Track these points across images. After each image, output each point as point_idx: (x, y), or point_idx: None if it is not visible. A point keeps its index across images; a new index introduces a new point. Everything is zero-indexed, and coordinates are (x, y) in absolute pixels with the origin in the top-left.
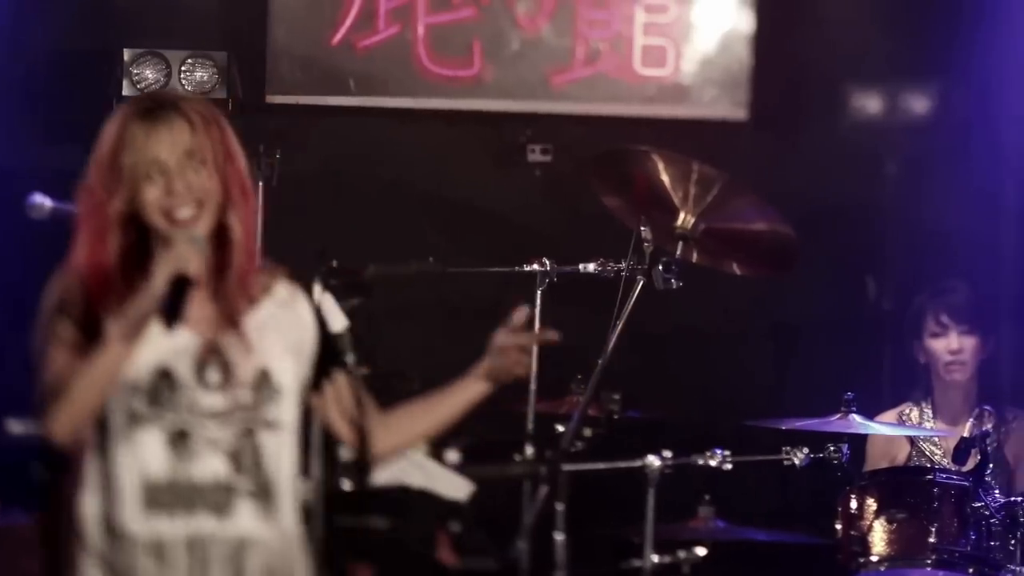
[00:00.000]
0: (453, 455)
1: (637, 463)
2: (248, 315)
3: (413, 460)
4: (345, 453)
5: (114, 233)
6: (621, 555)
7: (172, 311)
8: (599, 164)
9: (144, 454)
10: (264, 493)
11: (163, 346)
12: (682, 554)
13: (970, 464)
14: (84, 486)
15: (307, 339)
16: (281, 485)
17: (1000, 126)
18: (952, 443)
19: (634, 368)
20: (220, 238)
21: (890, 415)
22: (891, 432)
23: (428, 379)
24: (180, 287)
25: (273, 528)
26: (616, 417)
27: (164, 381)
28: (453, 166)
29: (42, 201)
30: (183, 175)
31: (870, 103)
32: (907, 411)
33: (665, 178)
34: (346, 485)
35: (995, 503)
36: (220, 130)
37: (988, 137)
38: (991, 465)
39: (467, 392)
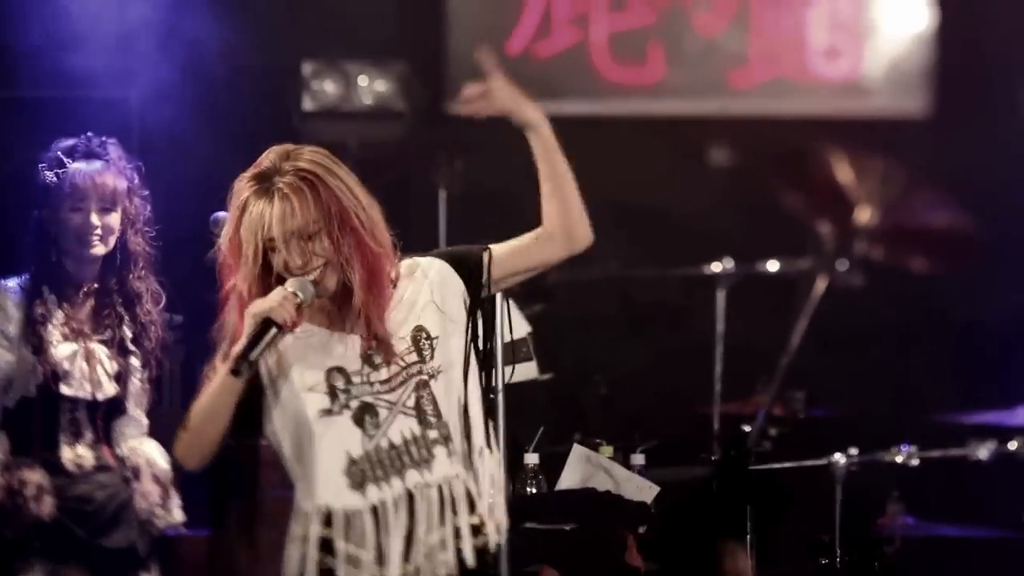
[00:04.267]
0: (639, 458)
1: (823, 461)
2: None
3: (599, 464)
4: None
5: (253, 292)
6: (812, 553)
7: (245, 356)
8: (780, 164)
9: (339, 439)
10: (448, 437)
11: (332, 353)
12: (873, 551)
13: None
14: (297, 488)
15: (447, 279)
16: (455, 424)
17: None
18: None
19: (818, 366)
20: (347, 287)
21: None
22: None
23: (614, 383)
24: (262, 333)
25: (460, 461)
26: (801, 416)
27: (337, 375)
28: (634, 169)
29: (226, 217)
30: (298, 249)
31: None
32: None
33: (846, 175)
34: (531, 489)
35: None
36: (325, 194)
37: None
38: None
39: (536, 148)
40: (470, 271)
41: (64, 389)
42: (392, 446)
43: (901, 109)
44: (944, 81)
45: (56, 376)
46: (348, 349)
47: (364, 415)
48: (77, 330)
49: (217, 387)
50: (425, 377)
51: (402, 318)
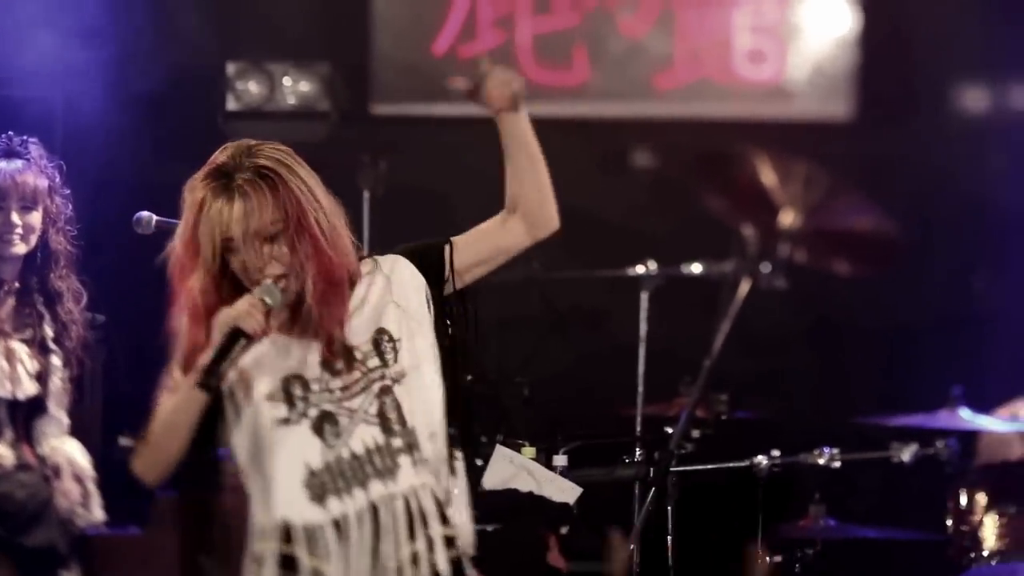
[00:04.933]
0: (561, 459)
1: (746, 463)
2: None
3: (522, 464)
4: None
5: (207, 305)
6: (732, 555)
7: (215, 368)
8: (703, 166)
9: (298, 449)
10: (413, 445)
11: (290, 360)
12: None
13: None
14: (252, 500)
15: (408, 276)
16: (422, 430)
17: None
18: None
19: (741, 369)
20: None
21: (1003, 412)
22: (1000, 427)
23: (536, 384)
24: (232, 343)
25: (427, 470)
26: (724, 418)
27: (295, 383)
28: (558, 171)
29: (148, 216)
30: (257, 250)
31: (976, 99)
32: (1020, 409)
33: (769, 178)
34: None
35: None
36: (284, 193)
37: None
38: None
39: (513, 131)
40: (431, 266)
41: None
42: (354, 456)
43: (825, 112)
44: (867, 85)
45: None
46: (307, 356)
47: (324, 424)
48: None
49: (180, 400)
50: (388, 382)
51: (362, 321)
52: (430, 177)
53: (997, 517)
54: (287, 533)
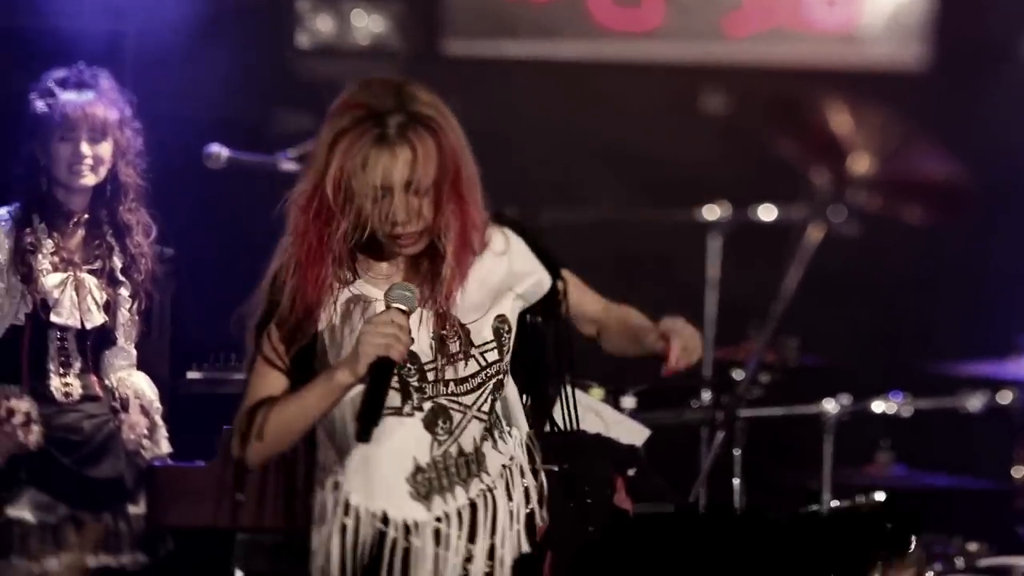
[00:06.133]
0: (629, 400)
1: (814, 409)
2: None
3: (589, 405)
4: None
5: (334, 252)
6: (799, 501)
7: (370, 415)
8: (776, 111)
9: (407, 443)
10: (504, 437)
11: None
12: (860, 499)
13: None
14: (340, 484)
15: (528, 273)
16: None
17: None
18: None
19: (811, 314)
20: (434, 251)
21: None
22: None
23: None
24: (383, 380)
25: (513, 445)
26: (793, 363)
27: (410, 367)
28: (628, 114)
29: (219, 151)
30: (406, 203)
31: None
32: None
33: (843, 125)
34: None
35: None
36: (447, 147)
37: None
38: None
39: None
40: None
41: (54, 318)
42: (461, 452)
43: (899, 59)
44: (943, 32)
45: (46, 305)
46: (419, 328)
47: (437, 419)
48: (67, 260)
49: (312, 401)
50: (502, 376)
51: (481, 301)
52: (498, 117)
53: None
54: (384, 520)
